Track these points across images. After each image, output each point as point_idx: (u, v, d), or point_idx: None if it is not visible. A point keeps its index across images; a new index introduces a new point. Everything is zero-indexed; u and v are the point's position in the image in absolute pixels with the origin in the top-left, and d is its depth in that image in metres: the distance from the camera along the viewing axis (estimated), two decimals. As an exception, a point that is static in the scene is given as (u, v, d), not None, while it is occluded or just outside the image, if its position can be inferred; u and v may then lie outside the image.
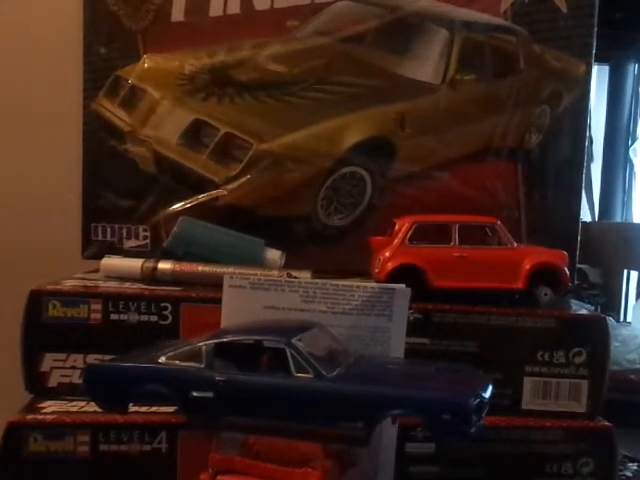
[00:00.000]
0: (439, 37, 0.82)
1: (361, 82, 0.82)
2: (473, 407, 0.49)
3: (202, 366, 0.53)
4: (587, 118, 0.85)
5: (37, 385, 0.66)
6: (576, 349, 0.66)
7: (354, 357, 0.55)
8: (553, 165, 0.83)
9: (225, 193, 0.81)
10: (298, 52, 0.82)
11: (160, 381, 0.53)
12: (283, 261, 0.77)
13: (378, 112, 0.81)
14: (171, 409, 0.62)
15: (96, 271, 0.77)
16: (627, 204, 1.75)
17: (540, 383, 0.67)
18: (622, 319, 1.45)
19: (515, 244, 0.70)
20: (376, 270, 0.69)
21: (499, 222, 0.71)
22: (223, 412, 0.52)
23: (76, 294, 0.66)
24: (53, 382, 0.66)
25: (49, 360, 0.65)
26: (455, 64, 0.82)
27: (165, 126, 0.82)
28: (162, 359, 0.54)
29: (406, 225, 0.70)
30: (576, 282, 0.89)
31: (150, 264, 0.75)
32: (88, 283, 0.70)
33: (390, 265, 0.68)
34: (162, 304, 0.66)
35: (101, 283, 0.71)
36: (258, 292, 0.60)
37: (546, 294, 0.69)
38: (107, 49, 0.83)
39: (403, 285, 0.61)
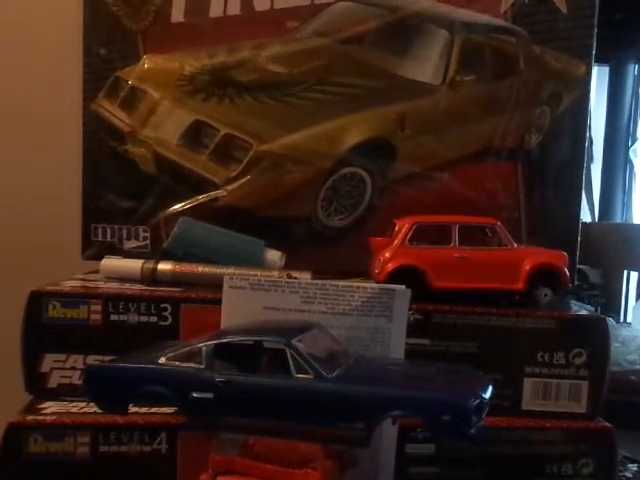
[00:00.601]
0: (439, 38, 0.82)
1: (361, 83, 0.82)
2: (473, 408, 0.49)
3: (202, 367, 0.53)
4: (587, 119, 0.85)
5: (37, 386, 0.66)
6: (576, 350, 0.66)
7: (354, 358, 0.55)
8: (553, 166, 0.83)
9: (225, 194, 0.81)
10: (298, 53, 0.82)
11: (160, 382, 0.53)
12: (283, 262, 0.77)
13: (378, 113, 0.81)
14: (171, 410, 0.62)
15: (96, 272, 0.76)
16: (627, 205, 1.75)
17: (540, 384, 0.67)
18: (622, 320, 1.45)
19: (515, 245, 0.70)
20: (376, 271, 0.69)
21: (499, 223, 0.71)
22: (223, 413, 0.52)
23: (76, 295, 0.66)
24: (53, 383, 0.66)
25: (49, 361, 0.65)
26: (455, 65, 0.82)
27: (165, 127, 0.82)
28: (162, 360, 0.54)
29: (406, 226, 0.70)
30: (576, 283, 0.89)
31: (150, 265, 0.75)
32: (88, 284, 0.70)
33: (390, 266, 0.68)
34: (162, 305, 0.66)
35: (101, 284, 0.71)
36: (258, 293, 0.60)
37: (546, 295, 0.69)
38: (107, 50, 0.83)
39: (403, 286, 0.61)
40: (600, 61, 1.55)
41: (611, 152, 1.72)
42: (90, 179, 0.83)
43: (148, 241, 0.83)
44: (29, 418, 0.62)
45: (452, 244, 0.69)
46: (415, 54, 0.83)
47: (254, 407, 0.52)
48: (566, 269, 0.70)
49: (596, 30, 0.81)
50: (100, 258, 0.78)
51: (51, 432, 0.61)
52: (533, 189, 0.83)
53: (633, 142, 1.74)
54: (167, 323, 0.66)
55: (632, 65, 1.69)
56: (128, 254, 0.81)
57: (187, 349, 0.54)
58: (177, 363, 0.53)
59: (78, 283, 0.70)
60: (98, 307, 0.65)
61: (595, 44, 0.81)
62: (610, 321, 0.70)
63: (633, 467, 0.89)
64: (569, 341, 0.66)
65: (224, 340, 0.54)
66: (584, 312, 0.73)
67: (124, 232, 0.83)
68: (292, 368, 0.51)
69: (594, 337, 0.67)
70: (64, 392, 0.65)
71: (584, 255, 0.84)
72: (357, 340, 0.59)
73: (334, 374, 0.51)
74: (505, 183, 0.83)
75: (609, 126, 1.72)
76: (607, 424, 0.66)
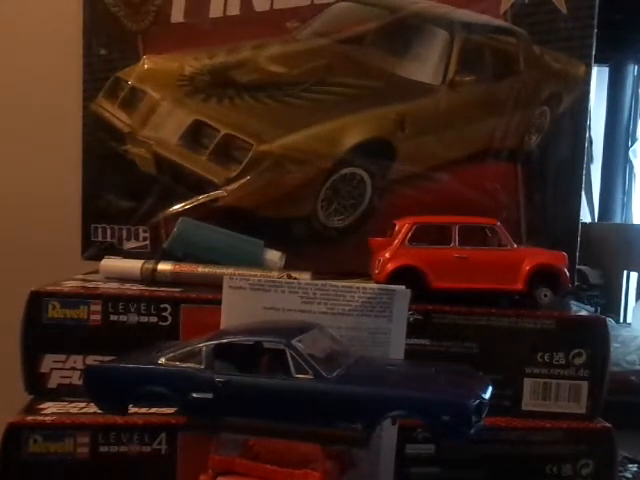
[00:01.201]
0: (439, 38, 0.82)
1: (361, 83, 0.82)
2: (473, 408, 0.49)
3: (202, 367, 0.53)
4: (587, 119, 0.85)
5: (37, 386, 0.66)
6: (576, 350, 0.66)
7: (354, 358, 0.55)
8: (553, 166, 0.83)
9: (225, 194, 0.81)
10: (298, 53, 0.82)
11: (160, 382, 0.53)
12: (283, 262, 0.77)
13: (378, 113, 0.81)
14: (171, 410, 0.62)
15: (96, 272, 0.77)
16: (627, 205, 1.75)
17: (540, 384, 0.67)
18: (622, 320, 1.45)
19: (515, 245, 0.70)
20: (376, 271, 0.69)
21: (499, 223, 0.71)
22: (223, 413, 0.52)
23: (76, 295, 0.66)
24: (53, 383, 0.66)
25: (49, 361, 0.65)
26: (455, 65, 0.82)
27: (165, 127, 0.82)
28: (162, 360, 0.54)
29: (406, 226, 0.70)
30: (576, 283, 0.89)
31: (150, 265, 0.75)
32: (88, 284, 0.70)
33: (390, 266, 0.68)
34: (162, 305, 0.66)
35: (101, 284, 0.71)
36: (258, 293, 0.60)
37: (546, 295, 0.69)
38: (107, 50, 0.83)
39: (403, 286, 0.61)
40: (600, 61, 1.55)
41: (611, 152, 1.72)
42: (90, 179, 0.83)
43: (148, 241, 0.83)
44: (29, 418, 0.62)
45: (452, 244, 0.69)
46: (415, 54, 0.83)
47: (254, 407, 0.52)
48: (566, 269, 0.70)
49: (596, 30, 0.81)
50: (100, 258, 0.78)
51: (51, 432, 0.61)
52: (533, 189, 0.83)
53: (633, 142, 1.74)
54: (167, 323, 0.66)
55: (632, 65, 1.69)
56: (128, 254, 0.81)
57: (187, 349, 0.54)
58: (177, 363, 0.53)
59: (78, 283, 0.70)
60: (98, 307, 0.65)
61: (595, 44, 0.81)
62: (610, 321, 0.70)
63: (633, 467, 0.89)
64: (569, 341, 0.66)
65: (224, 340, 0.54)
66: (584, 312, 0.73)
67: (124, 232, 0.83)
68: (292, 368, 0.51)
69: (594, 337, 0.67)
70: (64, 392, 0.65)
71: (584, 255, 0.84)
72: (357, 340, 0.59)
73: (334, 374, 0.51)
74: (505, 183, 0.83)
75: (609, 126, 1.72)
76: (607, 424, 0.66)
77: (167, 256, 0.76)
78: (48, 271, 0.70)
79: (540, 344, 0.66)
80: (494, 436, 0.65)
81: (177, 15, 0.82)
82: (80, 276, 0.75)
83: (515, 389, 0.67)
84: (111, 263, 0.76)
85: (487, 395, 0.51)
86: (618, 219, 1.72)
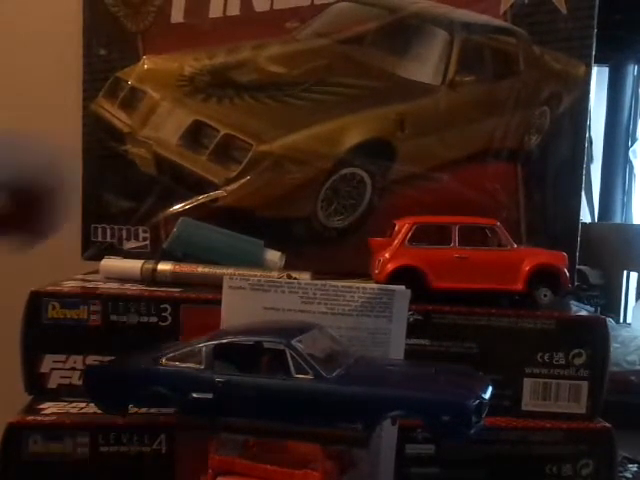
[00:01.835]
0: (439, 38, 0.82)
1: (361, 83, 0.82)
2: (473, 408, 0.49)
3: (202, 367, 0.53)
4: (587, 119, 0.85)
5: (37, 386, 0.66)
6: (576, 350, 0.66)
7: (354, 358, 0.55)
8: (553, 166, 0.83)
9: (225, 194, 0.81)
10: (298, 53, 0.82)
11: (160, 382, 0.53)
12: (283, 262, 0.77)
13: (378, 113, 0.81)
14: (171, 410, 0.62)
15: (96, 272, 0.77)
16: (627, 205, 1.75)
17: (540, 384, 0.67)
18: (622, 320, 1.45)
19: (515, 245, 0.70)
20: (376, 271, 0.69)
21: (499, 223, 0.71)
22: (223, 413, 0.52)
23: (76, 295, 0.66)
24: (53, 383, 0.66)
25: (49, 361, 0.65)
26: (455, 65, 0.82)
27: (165, 127, 0.82)
28: (162, 360, 0.54)
29: (406, 226, 0.70)
30: (576, 283, 0.89)
31: (150, 265, 0.75)
32: (88, 284, 0.70)
33: (390, 266, 0.68)
34: (162, 305, 0.66)
35: (101, 284, 0.71)
36: (258, 293, 0.60)
37: (546, 295, 0.69)
38: (107, 50, 0.83)
39: (403, 286, 0.61)
40: (600, 61, 1.55)
41: (611, 152, 1.72)
42: (90, 179, 0.83)
43: (148, 241, 0.83)
44: (29, 418, 0.62)
45: (452, 244, 0.69)
46: (415, 54, 0.83)
47: (254, 407, 0.52)
48: (566, 269, 0.70)
49: (596, 30, 0.81)
50: (100, 258, 0.78)
51: (51, 432, 0.61)
52: (533, 189, 0.83)
53: (633, 142, 1.73)
54: (167, 323, 0.66)
55: (632, 65, 1.69)
56: (128, 254, 0.81)
57: (187, 349, 0.54)
58: (177, 364, 0.53)
59: (78, 283, 0.70)
60: (98, 307, 0.66)
61: (595, 44, 0.81)
62: (610, 322, 0.70)
63: (633, 467, 0.89)
64: (569, 341, 0.66)
65: (224, 341, 0.54)
66: (584, 313, 0.73)
67: (124, 232, 0.83)
68: (292, 368, 0.51)
69: (594, 338, 0.67)
70: (64, 393, 0.65)
71: (584, 255, 0.84)
72: (357, 340, 0.59)
73: (334, 374, 0.51)
74: (505, 184, 0.83)
75: (609, 126, 1.72)
76: (607, 424, 0.66)
77: (167, 256, 0.76)
78: (48, 271, 0.70)
79: (540, 344, 0.66)
80: (494, 436, 0.65)
81: (177, 15, 0.82)
82: (80, 276, 0.75)
83: (515, 389, 0.67)
84: (111, 263, 0.76)
85: (487, 395, 0.51)
86: (618, 219, 1.72)
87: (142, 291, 0.68)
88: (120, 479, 0.63)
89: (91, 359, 0.65)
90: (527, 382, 0.67)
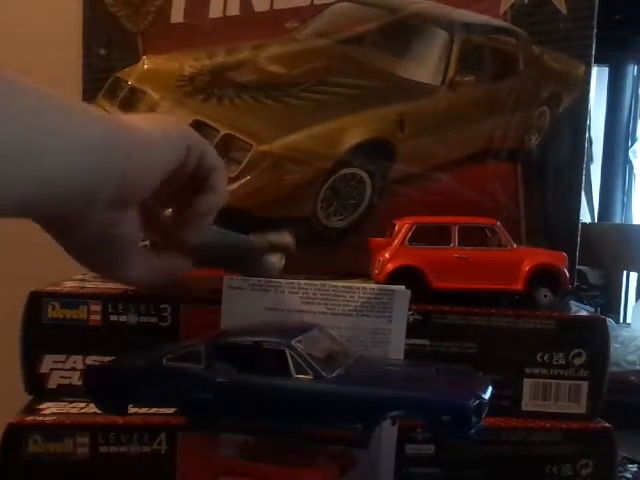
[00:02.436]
0: (439, 38, 0.82)
1: (361, 83, 0.82)
2: (473, 408, 0.49)
3: (202, 367, 0.53)
4: (587, 119, 0.85)
5: (37, 386, 0.66)
6: (576, 350, 0.66)
7: (354, 358, 0.55)
8: (553, 166, 0.83)
9: (225, 194, 0.81)
10: (298, 53, 0.82)
11: (160, 382, 0.53)
12: (283, 263, 0.77)
13: (378, 113, 0.81)
14: (171, 410, 0.62)
15: (96, 272, 0.76)
16: (627, 205, 1.75)
17: (540, 384, 0.67)
18: (622, 320, 1.45)
19: (515, 245, 0.70)
20: (376, 271, 0.69)
21: (499, 223, 0.71)
22: (223, 413, 0.52)
23: (76, 295, 0.66)
24: (53, 383, 0.65)
25: (49, 361, 0.65)
26: (455, 65, 0.82)
27: (165, 127, 0.82)
28: (162, 360, 0.54)
29: (406, 226, 0.70)
30: (576, 283, 0.89)
31: (150, 265, 0.74)
32: (88, 284, 0.70)
33: (390, 266, 0.68)
34: (162, 305, 0.66)
35: (101, 284, 0.71)
36: (258, 294, 0.60)
37: (546, 295, 0.69)
38: (107, 50, 0.83)
39: (403, 286, 0.61)
40: (599, 61, 1.55)
41: (611, 152, 1.72)
42: (90, 179, 0.83)
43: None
44: (29, 419, 0.62)
45: (452, 244, 0.69)
46: (415, 55, 0.83)
47: (254, 408, 0.52)
48: (566, 270, 0.70)
49: (595, 31, 0.81)
50: (100, 258, 0.77)
51: (51, 433, 0.61)
52: (533, 190, 0.83)
53: (633, 142, 1.73)
54: (167, 324, 0.66)
55: (632, 65, 1.69)
56: (128, 254, 0.81)
57: (187, 350, 0.54)
58: (177, 364, 0.53)
59: (78, 283, 0.70)
60: (98, 307, 0.65)
61: (594, 44, 0.81)
62: (610, 322, 0.70)
63: (633, 468, 0.89)
64: (569, 342, 0.66)
65: (224, 341, 0.54)
66: (584, 313, 0.73)
67: (124, 232, 0.83)
68: (292, 369, 0.51)
69: (594, 338, 0.67)
70: (64, 393, 0.65)
71: (584, 256, 0.84)
72: (357, 340, 0.59)
73: (334, 375, 0.51)
74: (505, 184, 0.83)
75: (609, 126, 1.72)
76: (607, 424, 0.66)
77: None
78: (48, 271, 0.70)
79: (540, 344, 0.66)
80: (494, 436, 0.65)
81: (177, 15, 0.82)
82: (80, 276, 0.75)
83: (515, 389, 0.67)
84: (111, 263, 0.76)
85: (487, 395, 0.51)
86: (618, 219, 1.72)
87: (142, 291, 0.68)
88: (120, 479, 0.63)
89: (91, 359, 0.65)
90: (527, 382, 0.67)
